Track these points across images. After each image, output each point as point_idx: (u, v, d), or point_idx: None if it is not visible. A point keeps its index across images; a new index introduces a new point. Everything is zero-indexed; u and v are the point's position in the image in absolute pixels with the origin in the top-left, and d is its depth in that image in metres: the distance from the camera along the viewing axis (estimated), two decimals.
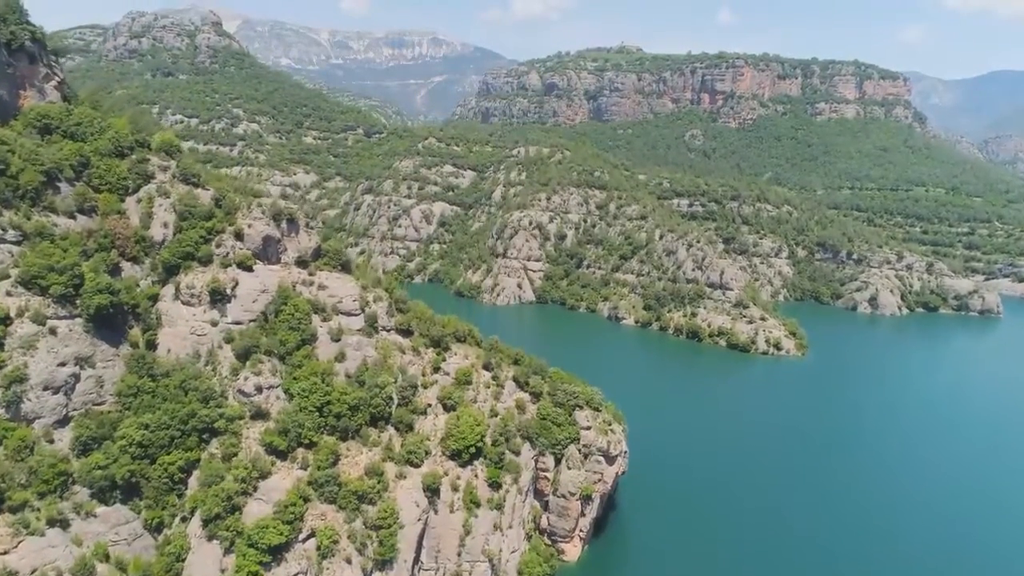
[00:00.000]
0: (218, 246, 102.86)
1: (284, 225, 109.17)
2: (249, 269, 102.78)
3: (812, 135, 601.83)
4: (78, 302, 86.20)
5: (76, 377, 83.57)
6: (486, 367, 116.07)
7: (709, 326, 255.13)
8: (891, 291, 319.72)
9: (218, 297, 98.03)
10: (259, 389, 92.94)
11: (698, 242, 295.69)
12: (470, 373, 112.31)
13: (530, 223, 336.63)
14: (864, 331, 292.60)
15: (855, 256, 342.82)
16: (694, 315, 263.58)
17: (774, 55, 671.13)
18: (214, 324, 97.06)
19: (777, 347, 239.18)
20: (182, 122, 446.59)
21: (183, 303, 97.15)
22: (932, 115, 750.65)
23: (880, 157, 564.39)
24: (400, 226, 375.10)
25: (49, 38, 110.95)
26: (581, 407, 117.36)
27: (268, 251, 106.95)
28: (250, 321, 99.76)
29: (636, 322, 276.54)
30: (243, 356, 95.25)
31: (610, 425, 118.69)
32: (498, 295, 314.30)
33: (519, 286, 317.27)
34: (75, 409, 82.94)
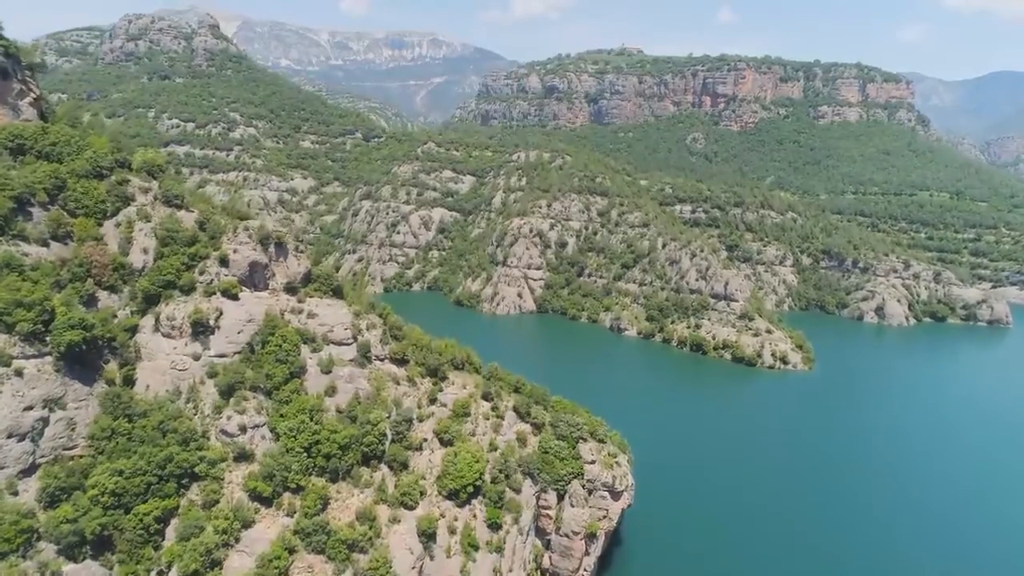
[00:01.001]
0: (201, 273, 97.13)
1: (272, 249, 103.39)
2: (234, 297, 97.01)
3: (815, 138, 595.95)
4: (48, 339, 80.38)
5: (44, 421, 77.78)
6: (485, 397, 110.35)
7: (714, 338, 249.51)
8: (898, 301, 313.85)
9: (201, 329, 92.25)
10: (243, 429, 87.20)
11: (702, 251, 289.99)
12: (468, 404, 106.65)
13: (530, 230, 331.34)
14: (872, 343, 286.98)
15: (861, 264, 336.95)
16: (698, 327, 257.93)
17: (776, 57, 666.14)
18: (196, 358, 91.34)
19: (784, 361, 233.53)
20: (178, 126, 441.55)
21: (163, 335, 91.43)
22: (933, 116, 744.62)
23: (883, 161, 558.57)
24: (399, 232, 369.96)
25: (26, 51, 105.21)
26: (585, 439, 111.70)
27: (255, 277, 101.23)
28: (235, 353, 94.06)
29: (639, 333, 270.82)
30: (227, 393, 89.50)
31: (615, 458, 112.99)
32: (498, 304, 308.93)
33: (519, 295, 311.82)
34: (43, 456, 77.11)
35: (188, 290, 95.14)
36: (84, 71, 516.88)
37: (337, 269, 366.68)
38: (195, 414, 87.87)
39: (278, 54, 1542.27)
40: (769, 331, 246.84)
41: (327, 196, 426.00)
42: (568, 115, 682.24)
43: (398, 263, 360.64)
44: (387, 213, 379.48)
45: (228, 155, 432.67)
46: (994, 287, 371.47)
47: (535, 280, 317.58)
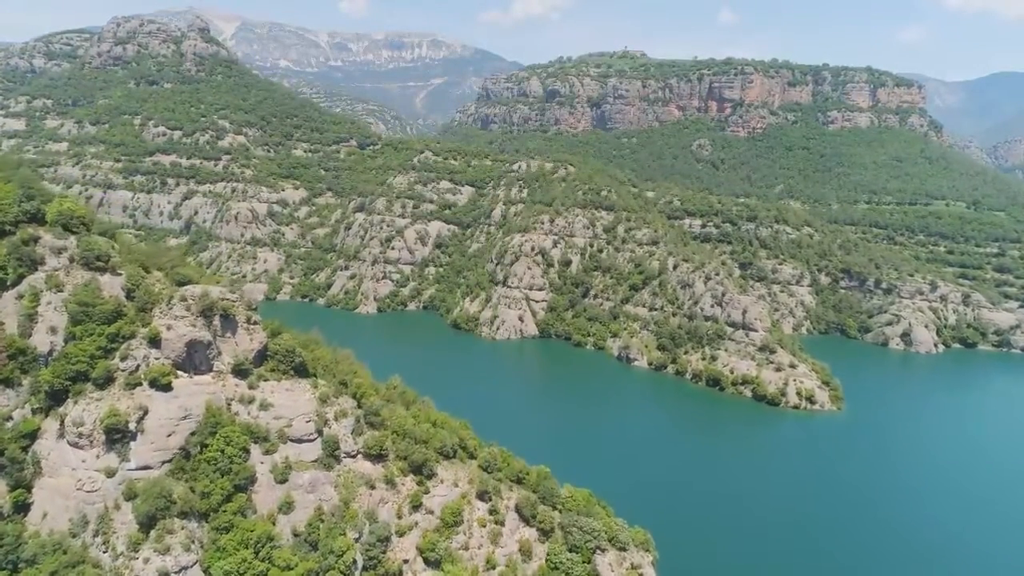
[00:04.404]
0: (124, 358, 77.53)
1: (217, 322, 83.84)
2: (166, 388, 77.51)
3: (824, 145, 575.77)
4: None
5: None
6: (481, 496, 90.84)
7: (732, 372, 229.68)
8: (925, 326, 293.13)
9: (117, 435, 72.73)
10: None
11: (716, 274, 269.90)
12: (460, 509, 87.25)
13: (532, 248, 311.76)
14: (901, 375, 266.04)
15: (884, 285, 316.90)
16: (714, 358, 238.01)
17: (783, 61, 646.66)
18: (111, 474, 71.86)
19: (810, 400, 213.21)
20: (164, 134, 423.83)
21: (69, 444, 71.89)
22: (936, 117, 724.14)
23: (896, 168, 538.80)
24: (393, 248, 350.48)
25: None
26: (603, 549, 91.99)
27: (195, 358, 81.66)
28: (164, 463, 74.55)
29: (649, 364, 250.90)
30: (147, 524, 69.92)
31: (639, 570, 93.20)
32: (498, 329, 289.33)
33: (520, 319, 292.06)
34: None
35: (104, 383, 75.47)
36: (70, 76, 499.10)
37: (329, 287, 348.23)
38: (105, 551, 68.31)
39: (277, 55, 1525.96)
40: (793, 365, 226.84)
41: (320, 208, 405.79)
42: (570, 120, 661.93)
43: (393, 280, 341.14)
44: (381, 227, 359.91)
45: (216, 165, 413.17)
46: (1021, 306, 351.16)
47: (537, 302, 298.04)
